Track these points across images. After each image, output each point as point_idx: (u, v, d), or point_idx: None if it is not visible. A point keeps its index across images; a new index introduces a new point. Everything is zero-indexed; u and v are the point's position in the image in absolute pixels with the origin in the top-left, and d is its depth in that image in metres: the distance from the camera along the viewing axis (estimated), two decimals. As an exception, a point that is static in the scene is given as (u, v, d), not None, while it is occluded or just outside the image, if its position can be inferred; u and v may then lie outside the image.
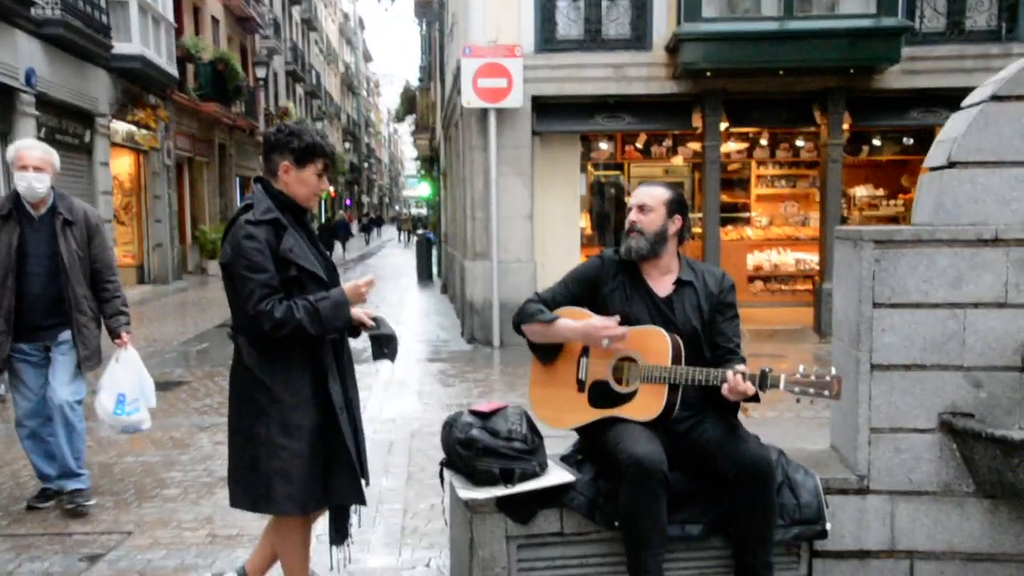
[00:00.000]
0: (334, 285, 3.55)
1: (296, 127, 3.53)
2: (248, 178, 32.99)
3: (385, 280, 24.76)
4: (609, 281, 3.80)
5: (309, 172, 3.47)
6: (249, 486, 3.43)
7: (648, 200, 3.75)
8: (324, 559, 4.07)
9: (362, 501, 3.56)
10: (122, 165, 21.79)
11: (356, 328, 3.62)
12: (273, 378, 3.37)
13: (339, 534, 3.64)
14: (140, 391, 5.39)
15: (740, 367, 3.44)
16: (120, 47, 18.72)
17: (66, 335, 5.26)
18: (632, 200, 3.79)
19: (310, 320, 3.30)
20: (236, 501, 3.52)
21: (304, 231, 3.53)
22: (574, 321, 3.70)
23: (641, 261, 3.73)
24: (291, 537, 3.57)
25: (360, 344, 3.71)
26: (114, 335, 5.39)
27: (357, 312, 3.55)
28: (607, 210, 14.86)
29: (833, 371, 3.36)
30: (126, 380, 5.32)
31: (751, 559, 3.47)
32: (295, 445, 3.37)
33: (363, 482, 3.56)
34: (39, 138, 15.99)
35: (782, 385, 3.35)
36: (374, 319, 3.62)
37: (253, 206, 3.41)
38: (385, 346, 3.63)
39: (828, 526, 3.62)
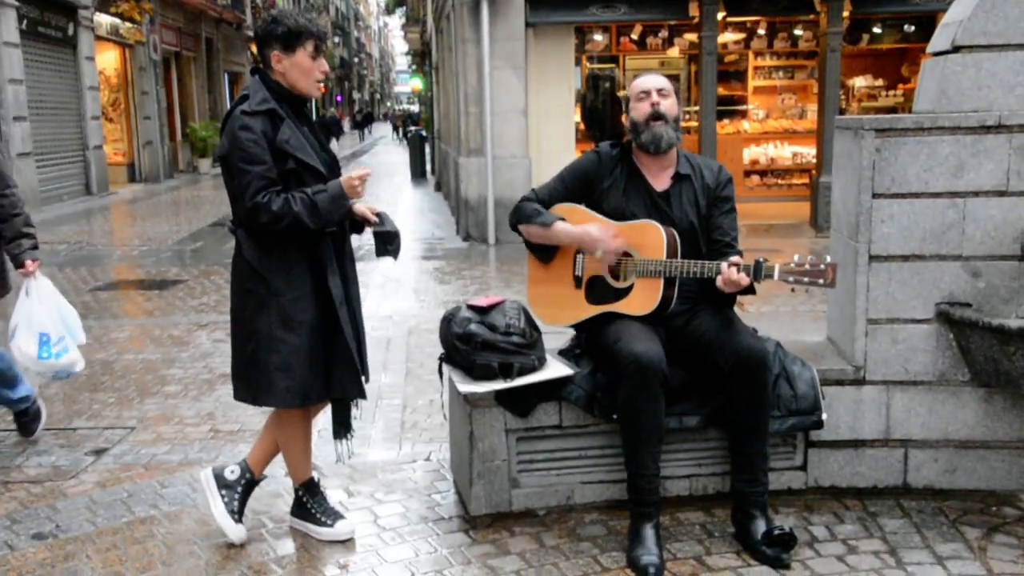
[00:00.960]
0: (336, 177, 3.48)
1: (278, 13, 3.41)
2: (238, 73, 32.44)
3: (379, 178, 24.57)
4: (606, 176, 3.73)
5: (301, 56, 3.35)
6: (250, 380, 3.44)
7: (665, 84, 3.65)
8: (323, 453, 4.14)
9: (362, 395, 3.57)
10: (108, 60, 21.40)
11: (359, 224, 3.57)
12: (273, 272, 3.34)
13: (342, 427, 3.67)
14: (65, 327, 4.58)
15: (734, 258, 3.40)
16: (99, -66, 18.20)
17: None
18: (646, 84, 3.64)
19: (308, 213, 3.25)
20: (238, 394, 3.54)
21: (305, 122, 3.46)
22: (572, 226, 3.66)
23: (658, 154, 3.65)
24: (292, 431, 3.61)
25: (357, 242, 3.67)
26: (17, 263, 4.51)
27: (360, 207, 3.51)
28: (600, 104, 14.63)
29: (828, 259, 3.33)
30: (45, 317, 4.50)
31: (747, 449, 3.50)
32: (295, 339, 3.36)
33: (363, 377, 3.58)
34: (21, 31, 15.66)
35: (776, 275, 3.32)
36: (378, 215, 3.57)
37: (249, 97, 3.33)
38: (388, 243, 3.58)
39: (824, 416, 3.66)
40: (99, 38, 19.76)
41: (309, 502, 3.67)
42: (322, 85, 3.60)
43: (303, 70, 3.37)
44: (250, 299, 3.39)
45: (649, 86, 3.64)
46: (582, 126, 14.05)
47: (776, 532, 3.34)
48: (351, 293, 3.53)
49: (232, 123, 3.28)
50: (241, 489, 3.63)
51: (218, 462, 4.37)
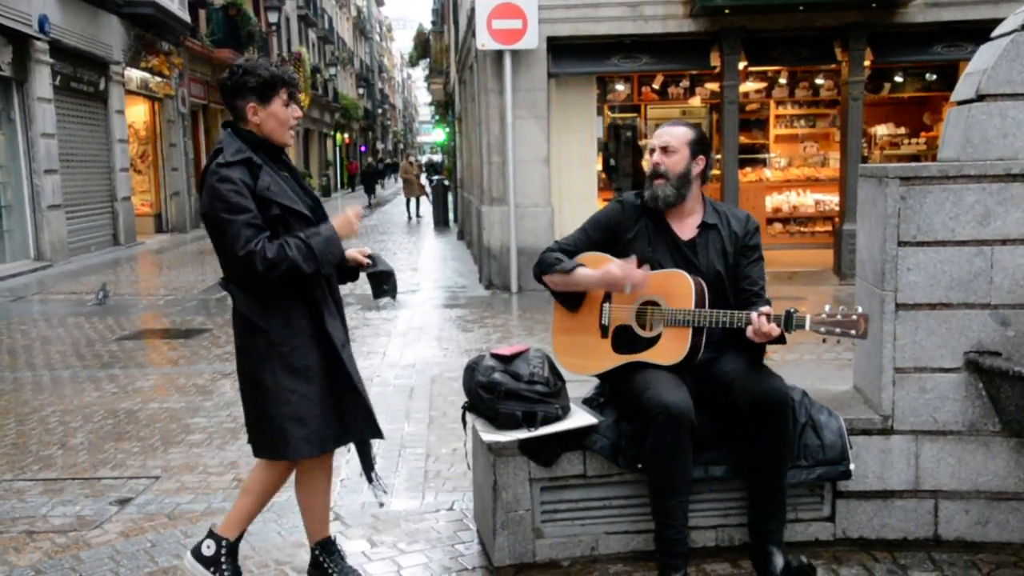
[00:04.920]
0: (320, 221, 3.39)
1: (248, 64, 3.33)
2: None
3: (402, 225, 24.76)
4: (631, 227, 3.73)
5: (276, 105, 3.31)
6: (265, 434, 3.37)
7: (671, 140, 3.65)
8: (345, 503, 4.11)
9: (379, 434, 3.48)
10: (137, 113, 21.75)
11: (354, 270, 3.53)
12: (270, 322, 3.28)
13: (369, 469, 3.59)
14: None
15: (764, 308, 3.39)
16: (132, -7, 18.63)
17: None
18: (653, 140, 3.70)
19: (303, 257, 3.18)
20: (257, 451, 3.47)
21: (284, 168, 3.41)
22: (593, 270, 3.66)
23: (667, 209, 3.68)
24: (314, 483, 3.54)
25: (346, 290, 3.60)
26: None
27: (352, 252, 3.46)
28: (622, 153, 14.71)
29: (860, 309, 3.32)
30: None
31: (766, 485, 3.48)
32: (303, 387, 3.30)
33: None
34: (54, 86, 16.01)
35: (808, 325, 3.30)
36: (369, 256, 3.52)
37: (223, 150, 3.28)
38: (384, 283, 3.51)
39: (852, 467, 3.61)
40: (129, 92, 20.12)
41: (326, 561, 3.58)
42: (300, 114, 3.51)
43: (279, 120, 3.33)
44: (252, 354, 3.33)
45: (656, 143, 3.68)
46: (602, 175, 14.11)
47: (795, 565, 3.30)
48: (346, 337, 3.46)
49: (209, 178, 3.23)
50: (225, 561, 3.47)
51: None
